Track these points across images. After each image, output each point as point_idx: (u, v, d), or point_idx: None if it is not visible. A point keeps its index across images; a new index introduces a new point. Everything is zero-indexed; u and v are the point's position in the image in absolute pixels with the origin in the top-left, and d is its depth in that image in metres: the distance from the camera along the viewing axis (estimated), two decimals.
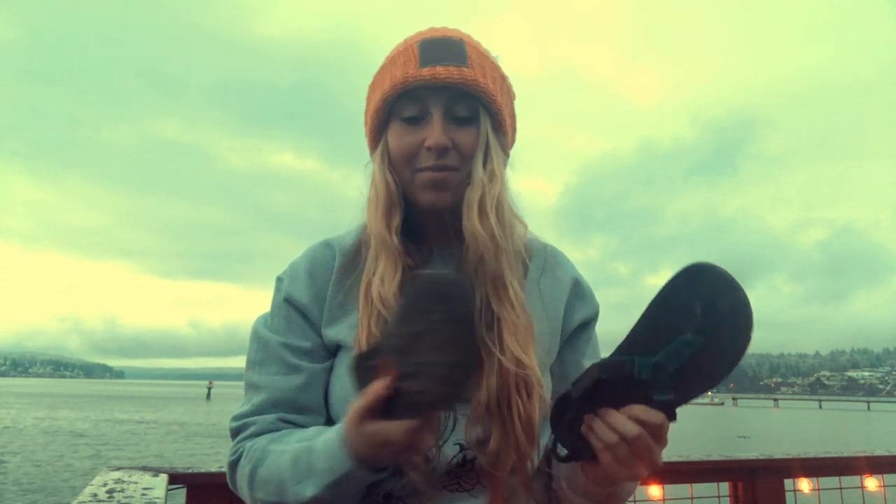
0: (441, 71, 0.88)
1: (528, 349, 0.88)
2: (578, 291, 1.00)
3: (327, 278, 0.95)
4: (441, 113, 0.89)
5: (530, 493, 0.90)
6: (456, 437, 0.88)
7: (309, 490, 0.81)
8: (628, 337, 0.76)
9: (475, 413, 0.87)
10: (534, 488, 0.92)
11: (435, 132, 0.88)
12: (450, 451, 0.88)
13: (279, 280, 0.97)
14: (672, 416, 0.74)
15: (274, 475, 0.84)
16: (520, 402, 0.85)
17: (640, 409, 0.74)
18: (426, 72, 0.88)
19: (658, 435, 0.74)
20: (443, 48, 0.90)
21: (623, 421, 0.74)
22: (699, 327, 0.73)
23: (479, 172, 0.89)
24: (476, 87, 0.89)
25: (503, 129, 0.94)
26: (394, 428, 0.72)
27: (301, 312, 0.94)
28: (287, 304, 0.94)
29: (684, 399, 0.74)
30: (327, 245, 0.98)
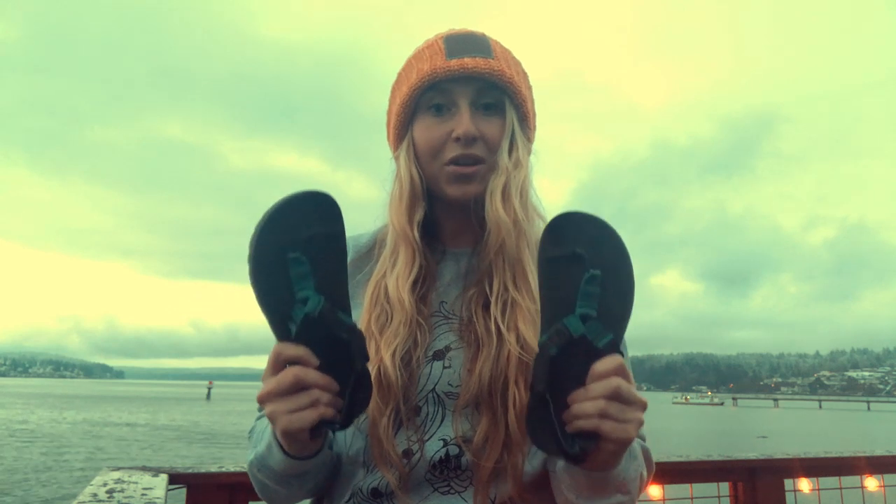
0: (469, 62, 0.90)
1: None
2: None
3: None
4: (468, 103, 0.91)
5: (522, 491, 0.84)
6: (442, 432, 0.86)
7: (250, 456, 0.87)
8: (543, 313, 0.74)
9: (463, 404, 0.85)
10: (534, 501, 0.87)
11: (463, 122, 0.90)
12: (433, 447, 0.85)
13: None
14: (619, 351, 0.73)
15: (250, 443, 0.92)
16: (517, 392, 0.83)
17: (600, 365, 0.69)
18: (454, 63, 0.90)
19: (626, 375, 0.70)
20: (468, 42, 0.93)
21: (598, 386, 0.69)
22: (592, 264, 0.73)
23: (504, 160, 0.90)
24: (502, 78, 0.91)
25: (528, 121, 0.95)
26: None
27: None
28: None
29: (621, 328, 0.73)
30: None
